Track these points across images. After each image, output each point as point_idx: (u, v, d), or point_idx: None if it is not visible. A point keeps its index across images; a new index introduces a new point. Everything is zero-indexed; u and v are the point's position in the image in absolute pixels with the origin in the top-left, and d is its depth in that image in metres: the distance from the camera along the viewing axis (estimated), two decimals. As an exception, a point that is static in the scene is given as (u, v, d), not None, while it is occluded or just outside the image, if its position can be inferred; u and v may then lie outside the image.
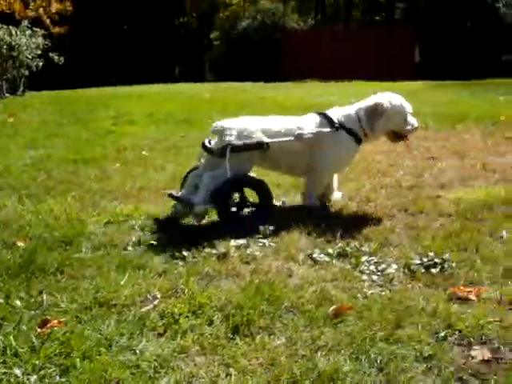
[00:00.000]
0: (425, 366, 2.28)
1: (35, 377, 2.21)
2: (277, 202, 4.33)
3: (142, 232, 3.89)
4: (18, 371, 2.23)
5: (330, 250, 3.48)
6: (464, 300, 2.84)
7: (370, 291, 2.94)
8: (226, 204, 4.01)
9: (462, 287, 2.96)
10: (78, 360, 2.32)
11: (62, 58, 18.71)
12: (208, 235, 3.73)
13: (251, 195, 4.14)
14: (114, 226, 4.02)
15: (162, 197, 4.68)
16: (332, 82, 19.58)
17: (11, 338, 2.44)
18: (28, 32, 16.04)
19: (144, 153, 6.63)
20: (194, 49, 30.72)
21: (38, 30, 16.64)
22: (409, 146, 4.80)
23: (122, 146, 7.12)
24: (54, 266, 3.25)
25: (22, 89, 16.15)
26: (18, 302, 2.80)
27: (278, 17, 26.45)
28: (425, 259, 3.28)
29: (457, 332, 2.53)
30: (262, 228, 3.78)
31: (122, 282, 3.04)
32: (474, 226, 3.85)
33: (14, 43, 15.35)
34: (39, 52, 16.45)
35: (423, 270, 3.18)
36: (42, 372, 2.24)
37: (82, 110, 10.84)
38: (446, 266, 3.21)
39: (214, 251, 3.47)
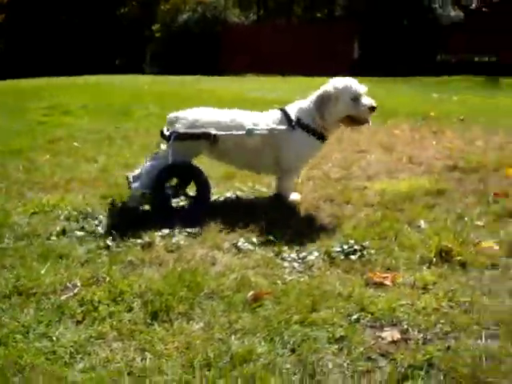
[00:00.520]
0: (336, 346, 2.37)
1: None
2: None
3: (67, 222, 3.85)
4: None
5: (255, 239, 3.54)
6: (380, 285, 2.94)
7: (290, 277, 3.01)
8: (160, 191, 4.02)
9: (378, 273, 3.07)
10: (-8, 347, 2.31)
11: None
12: (135, 225, 3.74)
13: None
14: (39, 216, 3.98)
15: (90, 187, 4.64)
16: (272, 76, 19.73)
17: None
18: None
19: (76, 144, 6.54)
20: (135, 40, 30.34)
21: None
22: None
23: (54, 137, 7.00)
24: (-27, 256, 3.20)
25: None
26: None
27: (219, 11, 26.42)
28: (345, 247, 3.39)
29: (369, 315, 2.63)
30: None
31: (42, 271, 3.02)
32: (394, 215, 3.98)
33: None
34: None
35: (343, 257, 3.28)
36: (-46, 359, 2.22)
37: (15, 100, 10.58)
38: (365, 252, 3.33)
39: (139, 241, 3.49)
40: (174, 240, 3.52)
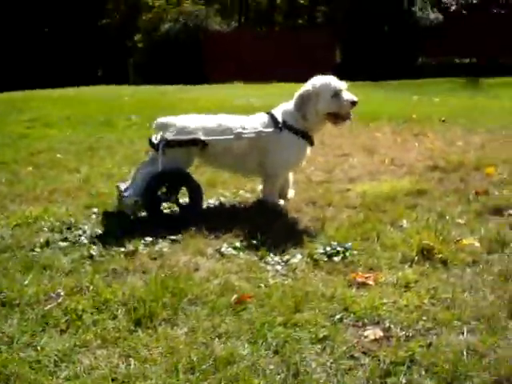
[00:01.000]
0: (319, 346, 2.40)
1: None
2: None
3: (50, 233, 3.85)
4: None
5: (238, 244, 3.57)
6: (362, 285, 2.98)
7: (273, 280, 3.04)
8: (151, 198, 4.04)
9: (361, 273, 3.10)
10: (-24, 358, 2.31)
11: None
12: (118, 234, 3.75)
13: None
14: (22, 228, 3.96)
15: (72, 199, 4.64)
16: (254, 83, 19.77)
17: None
18: None
19: (59, 155, 6.52)
20: (117, 51, 30.31)
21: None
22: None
23: (36, 149, 6.96)
24: (-44, 270, 3.20)
25: None
26: None
27: (200, 19, 26.45)
28: (328, 248, 3.42)
29: (352, 314, 2.67)
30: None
31: (26, 282, 3.02)
32: (376, 216, 4.02)
33: None
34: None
35: (326, 259, 3.31)
36: None
37: (-4, 113, 10.53)
38: (347, 254, 3.36)
39: (122, 249, 3.50)
40: (157, 247, 3.54)
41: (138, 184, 4.08)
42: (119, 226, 3.91)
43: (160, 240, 3.64)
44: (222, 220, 3.99)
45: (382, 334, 2.51)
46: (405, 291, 2.91)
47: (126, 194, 4.08)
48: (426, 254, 3.32)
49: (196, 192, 4.14)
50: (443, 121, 8.59)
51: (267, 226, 3.86)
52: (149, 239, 3.63)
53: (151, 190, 4.01)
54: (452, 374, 2.21)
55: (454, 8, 25.54)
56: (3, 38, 26.40)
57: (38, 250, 3.56)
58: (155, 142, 4.16)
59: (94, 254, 3.44)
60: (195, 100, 12.50)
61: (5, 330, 2.55)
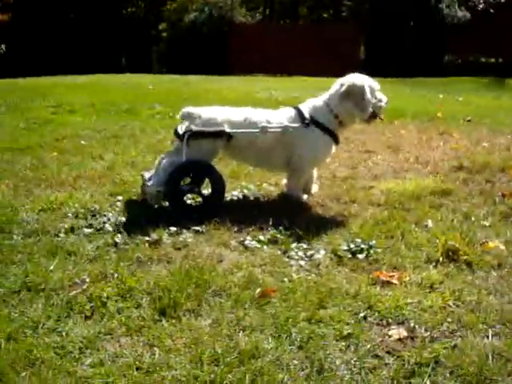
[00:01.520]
0: (343, 343, 2.39)
1: (-43, 358, 2.21)
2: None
3: (75, 219, 3.87)
4: None
5: (262, 237, 3.56)
6: (386, 283, 2.96)
7: (297, 275, 3.03)
8: (175, 189, 4.03)
9: (385, 271, 3.08)
10: (2, 341, 2.34)
11: (3, 46, 18.24)
12: (142, 222, 3.76)
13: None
14: (47, 213, 4.00)
15: (97, 185, 4.67)
16: (278, 77, 19.75)
17: None
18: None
19: (83, 142, 6.56)
20: (142, 40, 30.38)
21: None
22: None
23: (60, 135, 7.01)
24: (-17, 252, 3.24)
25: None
26: None
27: (225, 10, 26.41)
28: (352, 245, 3.40)
29: (376, 313, 2.65)
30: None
31: (51, 268, 3.04)
32: (401, 215, 3.99)
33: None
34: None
35: (350, 256, 3.30)
36: (-35, 353, 2.24)
37: (22, 99, 10.58)
38: (371, 251, 3.34)
39: (146, 238, 3.51)
40: (181, 238, 3.55)
41: (161, 174, 4.08)
42: (143, 215, 3.92)
43: (184, 230, 3.65)
44: (246, 212, 3.99)
45: (406, 333, 2.49)
46: (429, 292, 2.89)
47: (149, 183, 4.09)
48: (451, 255, 3.29)
49: (218, 184, 4.13)
50: (468, 120, 8.51)
51: (290, 220, 3.85)
52: (173, 229, 3.63)
53: (174, 180, 4.01)
54: (477, 377, 2.20)
55: (481, 6, 25.21)
56: (29, 24, 26.55)
57: (62, 235, 3.59)
58: (180, 132, 4.16)
59: (118, 241, 3.45)
60: (218, 91, 12.50)
61: (30, 315, 2.58)
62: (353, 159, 5.81)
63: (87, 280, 2.89)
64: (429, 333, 2.50)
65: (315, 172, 4.61)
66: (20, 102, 10.11)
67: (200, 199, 4.17)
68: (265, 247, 3.44)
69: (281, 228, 3.70)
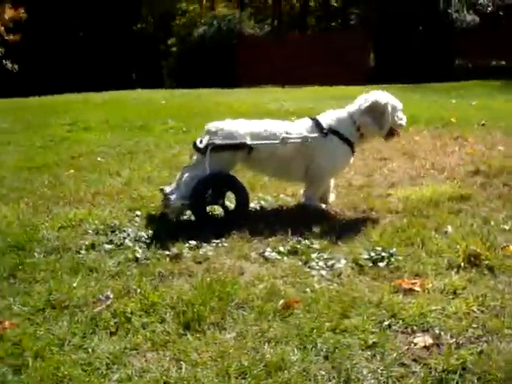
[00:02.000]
0: (369, 353, 2.38)
1: (-13, 377, 2.23)
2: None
3: (95, 236, 3.90)
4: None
5: (282, 248, 3.57)
6: (409, 291, 2.95)
7: (319, 285, 3.03)
8: (199, 202, 4.07)
9: (407, 279, 3.07)
10: (30, 359, 2.37)
11: (15, 66, 18.44)
12: (162, 237, 3.79)
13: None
14: (67, 230, 4.03)
15: (115, 201, 4.70)
16: (288, 87, 19.80)
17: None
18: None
19: (99, 159, 6.61)
20: (151, 55, 30.63)
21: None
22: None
23: (76, 152, 7.09)
24: (6, 271, 3.27)
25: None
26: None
27: (234, 23, 26.57)
28: (372, 254, 3.40)
29: (400, 321, 2.64)
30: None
31: (74, 284, 3.07)
32: (420, 221, 3.98)
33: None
34: (-8, 59, 16.20)
35: (371, 264, 3.29)
36: (-6, 372, 2.26)
37: (36, 117, 10.72)
38: (392, 259, 3.34)
39: (167, 252, 3.53)
40: (201, 251, 3.56)
41: (183, 188, 4.12)
42: (163, 229, 3.95)
43: (204, 244, 3.66)
44: (264, 224, 3.99)
45: (431, 341, 2.48)
46: (453, 298, 2.87)
47: (172, 197, 4.12)
48: (472, 260, 3.27)
49: (242, 196, 4.17)
50: (483, 125, 8.46)
51: (309, 231, 3.86)
52: (193, 243, 3.65)
53: (198, 193, 4.05)
54: (505, 382, 2.18)
55: (490, 9, 25.17)
56: (40, 43, 26.86)
57: (83, 252, 3.62)
58: (200, 145, 4.20)
59: (139, 256, 3.48)
60: (229, 104, 12.54)
61: (55, 332, 2.60)
62: (368, 167, 5.81)
63: (111, 296, 2.91)
64: (454, 339, 2.49)
65: (332, 181, 4.62)
66: (34, 121, 10.23)
67: (227, 210, 4.19)
68: (285, 258, 3.45)
69: (300, 238, 3.71)
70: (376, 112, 4.31)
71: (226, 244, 3.69)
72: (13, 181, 5.59)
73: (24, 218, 4.26)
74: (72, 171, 5.96)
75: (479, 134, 7.70)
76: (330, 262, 3.34)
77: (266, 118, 4.62)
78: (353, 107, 4.43)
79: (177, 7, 34.61)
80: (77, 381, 2.24)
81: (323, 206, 4.43)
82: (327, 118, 4.41)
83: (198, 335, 2.54)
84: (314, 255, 3.44)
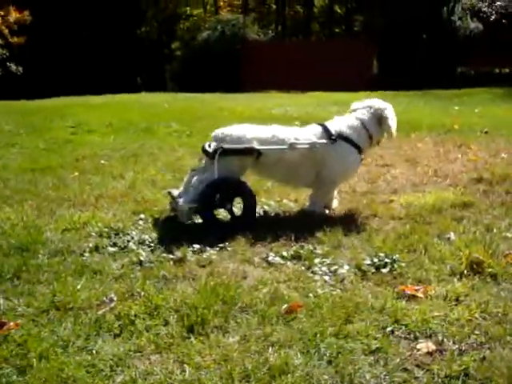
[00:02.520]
0: (372, 358, 2.39)
1: (-9, 377, 2.24)
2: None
3: (99, 238, 3.92)
4: (-27, 372, 2.26)
5: (285, 253, 3.58)
6: (412, 297, 2.96)
7: (322, 290, 3.04)
8: (207, 206, 4.09)
9: (410, 285, 3.08)
10: (34, 360, 2.38)
11: (20, 68, 18.49)
12: (166, 240, 3.80)
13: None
14: (71, 232, 4.05)
15: (119, 204, 4.72)
16: (291, 93, 19.82)
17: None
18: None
19: (103, 162, 6.64)
20: (155, 59, 30.67)
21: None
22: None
23: (80, 155, 7.11)
24: (10, 272, 3.28)
25: (-22, 99, 15.94)
26: (-27, 307, 2.83)
27: (238, 28, 26.61)
28: (375, 260, 3.41)
29: (403, 327, 2.66)
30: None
31: (78, 287, 3.08)
32: (423, 228, 3.99)
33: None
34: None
35: (374, 270, 3.30)
36: (-1, 372, 2.27)
37: (40, 119, 10.75)
38: (395, 265, 3.35)
39: (170, 256, 3.54)
40: (205, 255, 3.58)
41: (192, 191, 4.15)
42: (167, 233, 3.96)
43: (208, 248, 3.68)
44: (268, 228, 4.01)
45: (434, 347, 2.49)
46: (455, 305, 2.88)
47: (180, 200, 4.14)
48: (475, 267, 3.28)
49: (250, 200, 4.19)
50: (486, 132, 8.48)
51: (312, 236, 3.87)
52: (196, 246, 3.67)
53: (207, 197, 4.07)
54: (508, 389, 2.19)
55: (493, 17, 25.19)
56: (45, 46, 26.91)
57: (87, 254, 3.63)
58: (208, 149, 4.22)
59: (142, 259, 3.49)
60: (233, 109, 12.58)
61: (60, 334, 2.61)
62: (371, 173, 5.82)
63: (115, 298, 2.92)
64: (457, 346, 2.50)
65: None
66: (39, 123, 10.26)
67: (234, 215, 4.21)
68: (288, 263, 3.46)
69: (303, 243, 3.73)
70: (385, 120, 4.45)
71: (229, 248, 3.70)
72: (17, 183, 5.60)
73: (28, 220, 4.27)
74: (76, 174, 5.98)
75: (482, 141, 7.72)
76: (333, 268, 3.35)
77: (270, 123, 4.64)
78: (363, 115, 4.48)
79: (181, 11, 34.69)
80: (81, 382, 2.25)
81: (326, 211, 4.44)
82: (336, 125, 4.44)
83: (201, 338, 2.55)
84: (317, 260, 3.46)
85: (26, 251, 3.64)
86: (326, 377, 2.25)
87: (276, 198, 4.86)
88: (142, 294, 2.98)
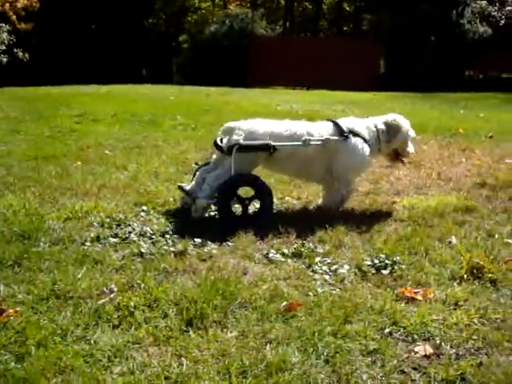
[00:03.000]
0: (369, 359, 2.40)
1: (-11, 363, 2.25)
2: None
3: (100, 228, 3.93)
4: (-28, 358, 2.27)
5: (286, 250, 3.59)
6: (411, 300, 2.96)
7: (322, 289, 3.04)
8: (226, 201, 4.10)
9: (409, 288, 3.08)
10: (33, 348, 2.38)
11: (27, 55, 18.49)
12: (167, 233, 3.81)
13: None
14: (73, 221, 4.05)
15: (121, 195, 4.72)
16: (297, 89, 19.82)
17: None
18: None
19: (107, 152, 6.64)
20: (162, 51, 30.67)
21: (2, 24, 16.39)
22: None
23: (84, 144, 7.12)
24: (11, 259, 3.29)
25: (-16, 84, 15.95)
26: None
27: (246, 23, 26.58)
28: (376, 261, 3.41)
29: (402, 329, 2.66)
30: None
31: (79, 276, 3.09)
32: (424, 231, 4.00)
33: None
34: (3, 48, 16.21)
35: (374, 271, 3.30)
36: (-3, 358, 2.28)
37: (46, 107, 10.76)
38: (396, 267, 3.35)
39: (171, 248, 3.55)
40: (206, 249, 3.58)
41: (207, 187, 4.14)
42: (168, 226, 3.97)
43: (209, 242, 3.68)
44: (269, 225, 4.00)
45: (432, 350, 2.49)
46: (454, 309, 2.88)
47: (200, 195, 4.13)
48: (475, 272, 3.28)
49: (267, 197, 4.20)
50: (490, 137, 8.47)
51: (314, 234, 3.88)
52: (198, 240, 3.67)
53: (225, 193, 4.07)
54: (503, 395, 2.19)
55: (503, 22, 25.13)
56: (52, 33, 26.91)
57: (88, 244, 3.64)
58: (221, 144, 4.22)
59: (143, 251, 3.50)
60: (239, 103, 12.58)
61: (59, 322, 2.62)
62: (374, 174, 5.82)
63: (115, 289, 2.93)
64: (454, 350, 2.50)
65: None
66: (44, 111, 10.27)
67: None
68: (289, 260, 3.47)
69: (304, 242, 3.73)
70: (396, 129, 4.59)
71: (230, 243, 3.71)
72: (20, 170, 5.62)
73: (30, 208, 4.28)
74: (79, 163, 5.99)
75: (487, 145, 7.71)
76: (333, 267, 3.36)
77: (275, 119, 4.63)
78: (377, 120, 4.61)
79: (189, 4, 34.64)
80: (78, 371, 2.25)
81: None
82: (349, 123, 4.49)
83: (200, 332, 2.56)
84: (317, 259, 3.46)
85: (28, 239, 3.64)
86: (322, 376, 2.25)
87: (278, 195, 4.85)
88: (142, 285, 2.99)
